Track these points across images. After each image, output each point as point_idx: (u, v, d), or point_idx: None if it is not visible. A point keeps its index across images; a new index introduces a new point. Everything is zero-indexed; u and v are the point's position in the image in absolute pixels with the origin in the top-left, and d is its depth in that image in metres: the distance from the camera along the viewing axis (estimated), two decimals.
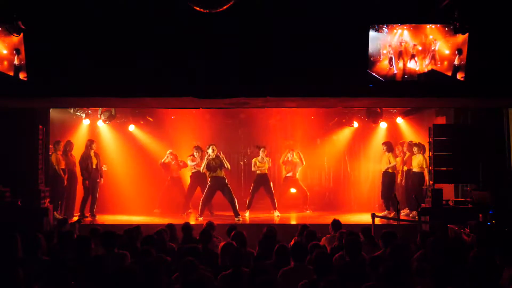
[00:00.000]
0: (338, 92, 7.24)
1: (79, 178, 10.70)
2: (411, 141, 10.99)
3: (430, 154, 9.14)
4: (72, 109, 10.99)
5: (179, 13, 6.38)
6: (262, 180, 10.95)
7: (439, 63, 6.83)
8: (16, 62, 6.80)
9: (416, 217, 8.80)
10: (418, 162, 10.40)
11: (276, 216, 10.74)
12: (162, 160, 11.51)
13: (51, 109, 10.02)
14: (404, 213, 10.43)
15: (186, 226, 6.84)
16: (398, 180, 11.04)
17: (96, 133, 11.70)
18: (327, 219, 8.73)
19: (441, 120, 10.35)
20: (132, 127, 11.90)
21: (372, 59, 6.80)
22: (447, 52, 6.79)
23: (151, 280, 4.10)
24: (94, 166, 10.62)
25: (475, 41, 6.68)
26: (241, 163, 12.58)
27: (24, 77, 6.86)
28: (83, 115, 11.44)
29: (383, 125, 11.69)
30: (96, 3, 6.64)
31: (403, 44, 6.77)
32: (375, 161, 12.24)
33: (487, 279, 4.13)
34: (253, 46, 6.78)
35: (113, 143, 12.01)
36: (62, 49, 6.81)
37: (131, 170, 12.05)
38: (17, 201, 8.45)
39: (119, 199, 11.56)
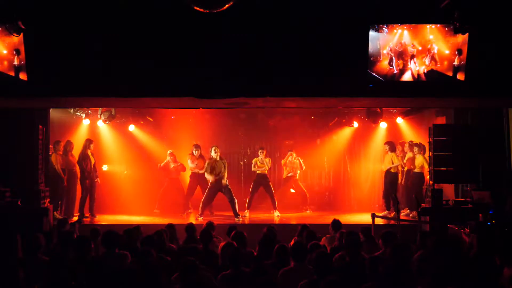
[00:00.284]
0: (338, 92, 7.24)
1: (79, 178, 10.70)
2: (411, 141, 10.99)
3: (430, 154, 9.14)
4: (72, 109, 10.99)
5: (179, 13, 6.37)
6: (262, 180, 10.98)
7: (439, 63, 6.83)
8: (16, 62, 6.80)
9: (416, 217, 8.80)
10: (419, 162, 10.41)
11: (276, 216, 10.75)
12: (162, 164, 11.52)
13: (51, 109, 10.02)
14: (404, 213, 10.43)
15: (190, 227, 6.84)
16: (399, 180, 11.04)
17: (96, 133, 11.69)
18: (327, 219, 8.74)
19: (441, 120, 10.35)
20: (132, 127, 11.91)
21: (372, 59, 6.80)
22: (447, 52, 6.79)
23: (151, 280, 4.10)
24: (92, 166, 10.64)
25: (475, 41, 6.68)
26: (241, 163, 12.58)
27: (24, 77, 6.86)
28: (83, 115, 11.44)
29: (383, 125, 11.69)
30: (96, 3, 6.64)
31: (403, 44, 6.77)
32: (375, 161, 12.25)
33: (487, 279, 4.14)
34: (253, 46, 6.78)
35: (113, 143, 12.01)
36: (62, 49, 6.80)
37: (131, 170, 12.08)
38: (17, 201, 8.45)
39: (119, 199, 11.57)
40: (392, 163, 10.66)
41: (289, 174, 11.60)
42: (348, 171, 12.73)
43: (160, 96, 7.46)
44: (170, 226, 6.99)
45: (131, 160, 12.09)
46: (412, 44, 6.76)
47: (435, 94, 7.23)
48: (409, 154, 10.85)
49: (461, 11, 6.24)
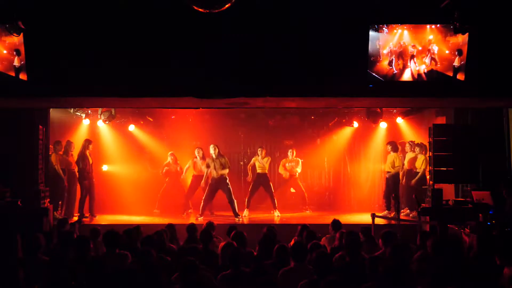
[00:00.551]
0: (338, 92, 7.23)
1: (78, 178, 10.69)
2: (411, 141, 10.99)
3: (430, 154, 9.14)
4: (72, 109, 10.99)
5: (179, 13, 6.37)
6: (261, 180, 10.98)
7: (439, 63, 6.83)
8: (16, 63, 6.80)
9: (416, 217, 8.80)
10: (420, 162, 10.40)
11: (276, 216, 10.76)
12: (163, 171, 11.50)
13: (51, 109, 10.02)
14: (404, 213, 10.43)
15: (192, 227, 6.84)
16: (400, 180, 11.04)
17: (96, 133, 11.69)
18: (327, 219, 8.74)
19: (441, 120, 10.35)
20: (132, 127, 11.90)
21: (372, 59, 6.79)
22: (447, 52, 6.79)
23: (151, 281, 4.10)
24: (90, 166, 10.63)
25: (475, 41, 6.68)
26: (241, 163, 12.58)
27: (24, 77, 6.85)
28: (83, 115, 11.43)
29: (383, 125, 11.69)
30: (96, 3, 6.64)
31: (403, 44, 6.77)
32: (375, 161, 12.25)
33: (487, 279, 4.14)
34: (253, 46, 6.77)
35: (113, 143, 12.00)
36: (62, 49, 6.80)
37: (131, 170, 12.06)
38: (17, 201, 8.45)
39: (119, 199, 11.55)
40: (394, 164, 10.66)
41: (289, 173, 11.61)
42: (348, 171, 12.72)
43: (160, 96, 7.45)
44: (170, 226, 6.99)
45: (131, 160, 12.07)
46: (412, 44, 6.76)
47: (435, 94, 7.22)
48: (409, 154, 10.85)
49: (461, 11, 6.23)
